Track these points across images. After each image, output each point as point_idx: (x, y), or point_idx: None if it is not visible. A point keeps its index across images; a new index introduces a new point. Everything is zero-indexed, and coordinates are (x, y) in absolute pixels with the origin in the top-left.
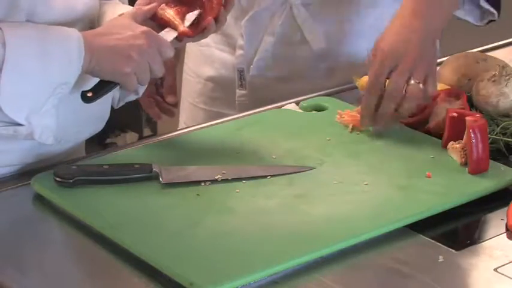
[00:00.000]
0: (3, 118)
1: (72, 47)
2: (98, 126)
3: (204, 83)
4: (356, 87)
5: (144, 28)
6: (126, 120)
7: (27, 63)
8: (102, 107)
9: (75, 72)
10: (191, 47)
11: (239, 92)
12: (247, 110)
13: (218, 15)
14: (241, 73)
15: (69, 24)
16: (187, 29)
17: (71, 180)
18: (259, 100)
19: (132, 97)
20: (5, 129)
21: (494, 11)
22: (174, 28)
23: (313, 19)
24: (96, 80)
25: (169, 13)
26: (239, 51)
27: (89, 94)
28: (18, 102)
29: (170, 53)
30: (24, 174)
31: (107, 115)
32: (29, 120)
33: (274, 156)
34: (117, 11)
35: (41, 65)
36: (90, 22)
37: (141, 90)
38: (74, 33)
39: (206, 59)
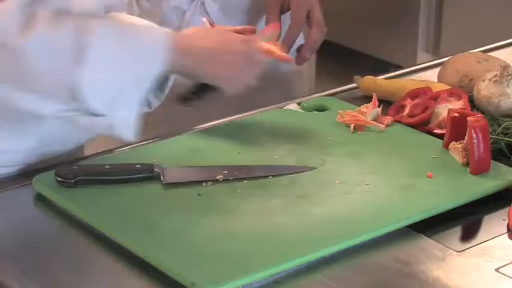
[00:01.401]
0: (81, 106)
1: (159, 40)
2: None
3: None
4: (357, 87)
5: (244, 36)
6: None
7: (111, 53)
8: None
9: (158, 67)
10: None
11: None
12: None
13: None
14: None
15: None
16: (286, 55)
17: (73, 180)
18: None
19: (146, 109)
20: (84, 118)
21: None
22: (272, 55)
23: (225, 14)
24: None
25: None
26: None
27: (188, 96)
28: (101, 92)
29: (265, 63)
30: (26, 174)
31: None
32: (110, 111)
33: (275, 156)
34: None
35: (125, 55)
36: None
37: (153, 105)
38: (161, 28)
39: None
